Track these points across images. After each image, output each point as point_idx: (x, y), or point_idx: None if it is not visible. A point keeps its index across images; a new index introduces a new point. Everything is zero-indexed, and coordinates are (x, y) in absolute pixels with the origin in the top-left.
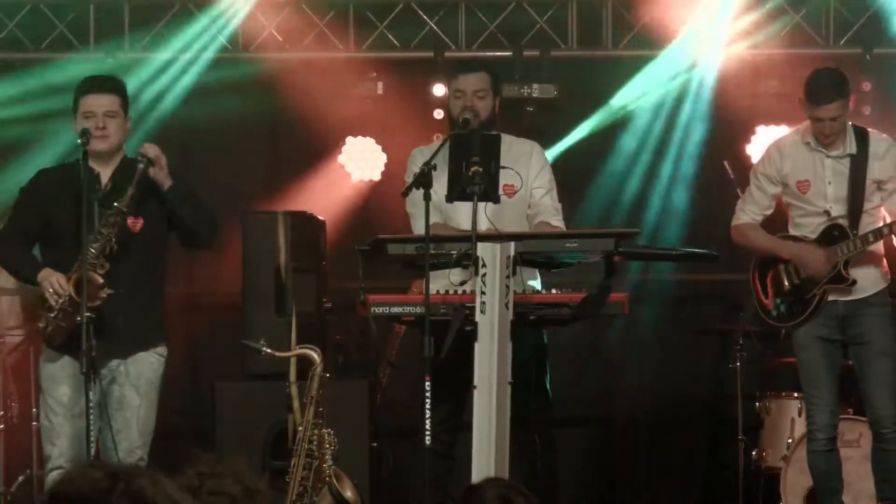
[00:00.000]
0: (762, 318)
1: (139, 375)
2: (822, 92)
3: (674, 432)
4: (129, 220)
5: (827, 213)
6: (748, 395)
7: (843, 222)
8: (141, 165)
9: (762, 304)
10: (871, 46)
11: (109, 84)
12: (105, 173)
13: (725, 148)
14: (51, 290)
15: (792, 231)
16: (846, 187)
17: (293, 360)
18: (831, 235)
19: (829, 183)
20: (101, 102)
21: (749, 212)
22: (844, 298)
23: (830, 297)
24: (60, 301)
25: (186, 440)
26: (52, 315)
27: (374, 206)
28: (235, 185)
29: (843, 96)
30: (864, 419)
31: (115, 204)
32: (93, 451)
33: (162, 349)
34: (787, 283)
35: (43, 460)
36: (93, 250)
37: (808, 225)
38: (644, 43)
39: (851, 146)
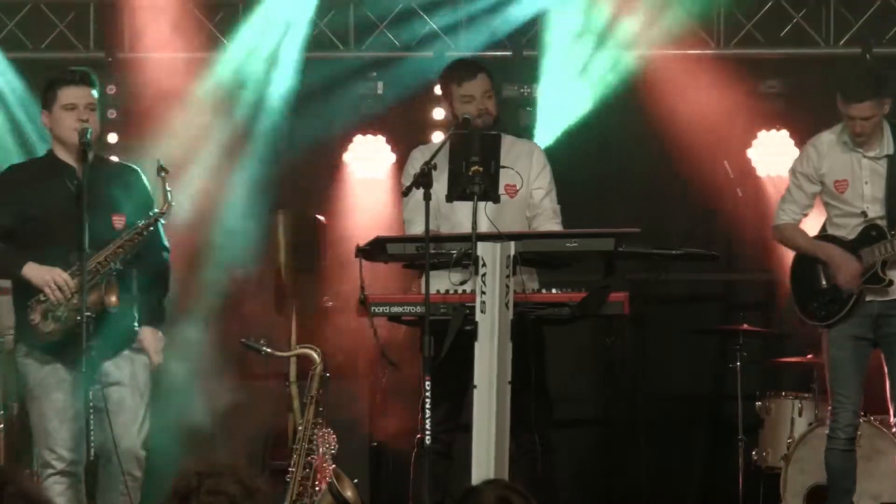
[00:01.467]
0: (799, 316)
1: (134, 375)
2: (853, 90)
3: (674, 432)
4: (114, 217)
5: (864, 213)
6: (748, 395)
7: (881, 223)
8: (162, 174)
9: (799, 302)
10: (871, 46)
11: (89, 76)
12: (78, 167)
13: (726, 147)
14: (52, 284)
15: (830, 230)
16: (884, 188)
17: (293, 361)
18: (869, 236)
19: (867, 183)
20: (82, 94)
21: (789, 211)
22: (881, 298)
23: (867, 298)
24: (66, 299)
25: (185, 441)
26: (59, 313)
27: (375, 205)
28: (235, 185)
29: (877, 96)
30: (865, 419)
31: (153, 211)
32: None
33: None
34: (824, 282)
35: (39, 465)
36: (119, 255)
37: (845, 225)
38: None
39: (889, 146)
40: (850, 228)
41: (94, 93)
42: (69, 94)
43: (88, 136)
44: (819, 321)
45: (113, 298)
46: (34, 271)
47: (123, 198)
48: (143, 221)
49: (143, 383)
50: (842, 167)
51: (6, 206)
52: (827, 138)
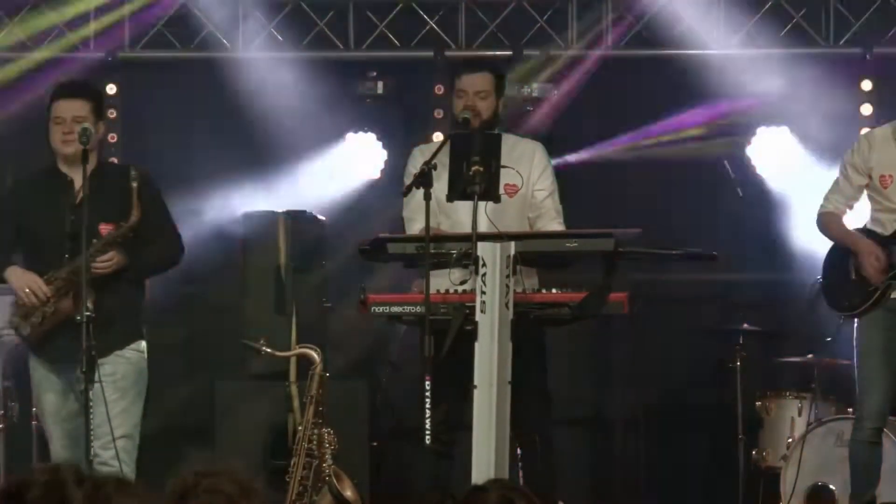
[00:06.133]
0: (828, 306)
1: (114, 372)
2: None
3: (674, 432)
4: (102, 227)
5: None
6: (748, 395)
7: None
8: (134, 184)
9: (827, 292)
10: (871, 46)
11: (81, 89)
12: (77, 179)
13: (726, 147)
14: (27, 289)
15: (870, 226)
16: None
17: (293, 360)
18: None
19: None
20: (70, 107)
21: (833, 201)
22: None
23: (893, 294)
24: (41, 303)
25: (185, 440)
26: (34, 318)
27: (375, 205)
28: (235, 185)
29: None
30: None
31: (121, 224)
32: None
33: (138, 345)
34: (853, 274)
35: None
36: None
37: (885, 221)
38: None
39: None
40: (889, 224)
41: (87, 105)
42: (57, 108)
43: (85, 140)
44: (844, 311)
45: (69, 304)
46: (13, 275)
47: (117, 205)
48: (112, 233)
49: (123, 379)
50: (889, 162)
51: (6, 219)
52: (881, 132)
